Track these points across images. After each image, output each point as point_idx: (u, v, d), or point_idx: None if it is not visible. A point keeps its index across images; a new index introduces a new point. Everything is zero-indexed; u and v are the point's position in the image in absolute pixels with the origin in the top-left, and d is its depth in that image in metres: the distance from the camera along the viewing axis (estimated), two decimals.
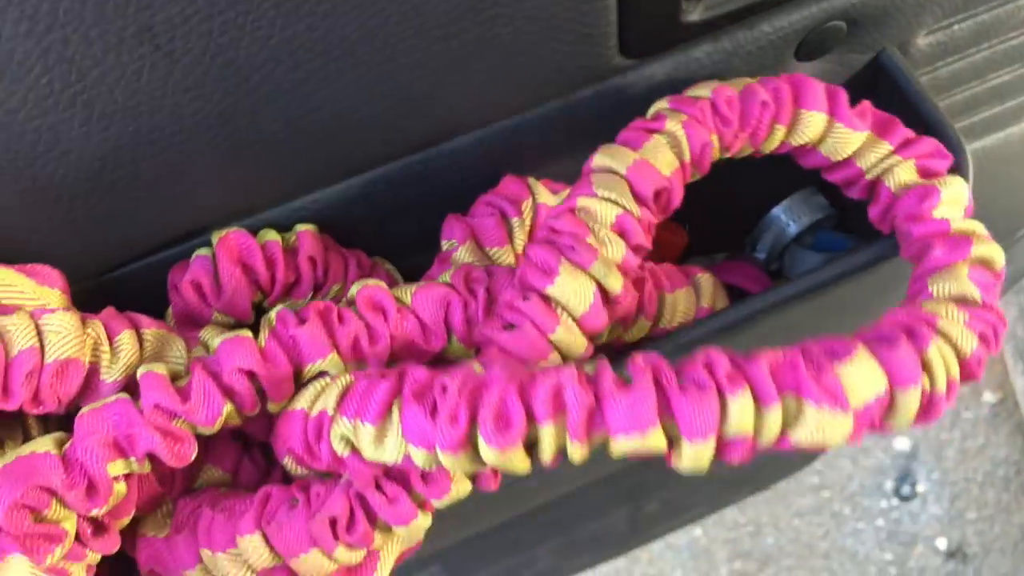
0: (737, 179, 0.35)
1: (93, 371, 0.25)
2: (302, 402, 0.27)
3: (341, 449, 0.26)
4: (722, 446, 0.25)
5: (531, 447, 0.24)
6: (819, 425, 0.24)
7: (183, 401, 0.24)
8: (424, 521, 0.28)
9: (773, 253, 0.43)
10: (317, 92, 0.28)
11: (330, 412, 0.26)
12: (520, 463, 0.24)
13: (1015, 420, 1.73)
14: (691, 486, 0.81)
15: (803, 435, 0.25)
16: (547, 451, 0.24)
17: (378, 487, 0.26)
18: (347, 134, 0.31)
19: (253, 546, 0.25)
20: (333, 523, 0.26)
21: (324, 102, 0.28)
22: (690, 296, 0.33)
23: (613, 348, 0.33)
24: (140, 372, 0.25)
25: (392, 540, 0.28)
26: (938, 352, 0.25)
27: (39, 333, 0.23)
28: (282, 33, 0.24)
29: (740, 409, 0.24)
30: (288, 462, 0.28)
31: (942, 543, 1.65)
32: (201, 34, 0.23)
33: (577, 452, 0.24)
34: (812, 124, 0.31)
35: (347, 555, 0.26)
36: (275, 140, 0.28)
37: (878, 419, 0.25)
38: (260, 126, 0.27)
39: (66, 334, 0.24)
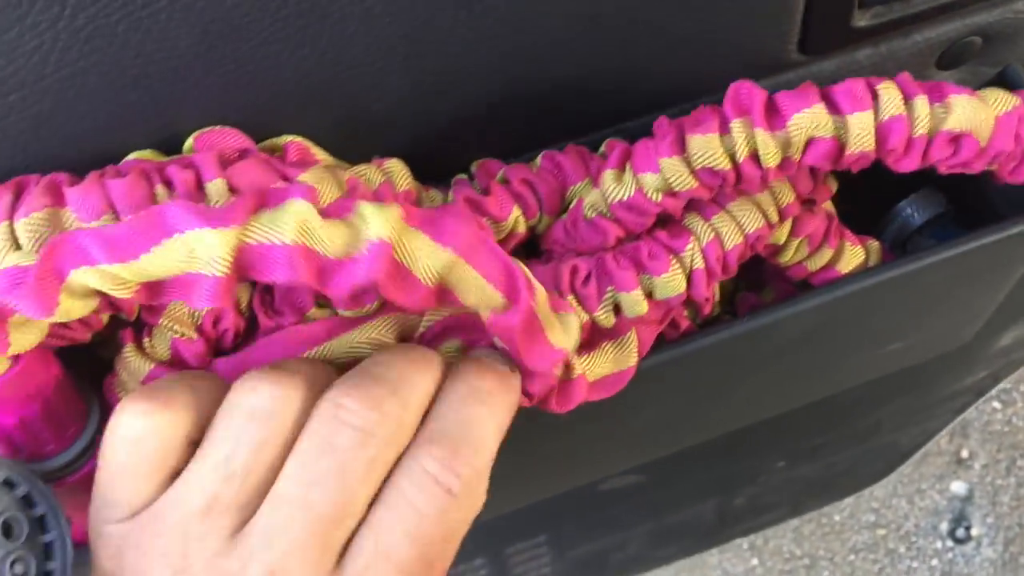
0: (870, 173, 0.42)
1: None
2: None
3: None
4: (880, 128, 0.31)
5: None
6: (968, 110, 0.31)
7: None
8: None
9: (896, 242, 0.50)
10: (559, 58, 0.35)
11: None
12: None
13: None
14: (777, 485, 0.87)
15: (955, 121, 0.31)
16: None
17: None
18: (564, 102, 0.38)
19: None
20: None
21: (561, 66, 0.35)
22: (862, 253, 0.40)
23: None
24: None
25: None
26: None
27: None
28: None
29: (889, 95, 0.31)
30: None
31: None
32: None
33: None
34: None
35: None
36: (530, 95, 0.36)
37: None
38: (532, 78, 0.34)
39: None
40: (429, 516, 0.28)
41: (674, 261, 0.35)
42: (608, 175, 0.33)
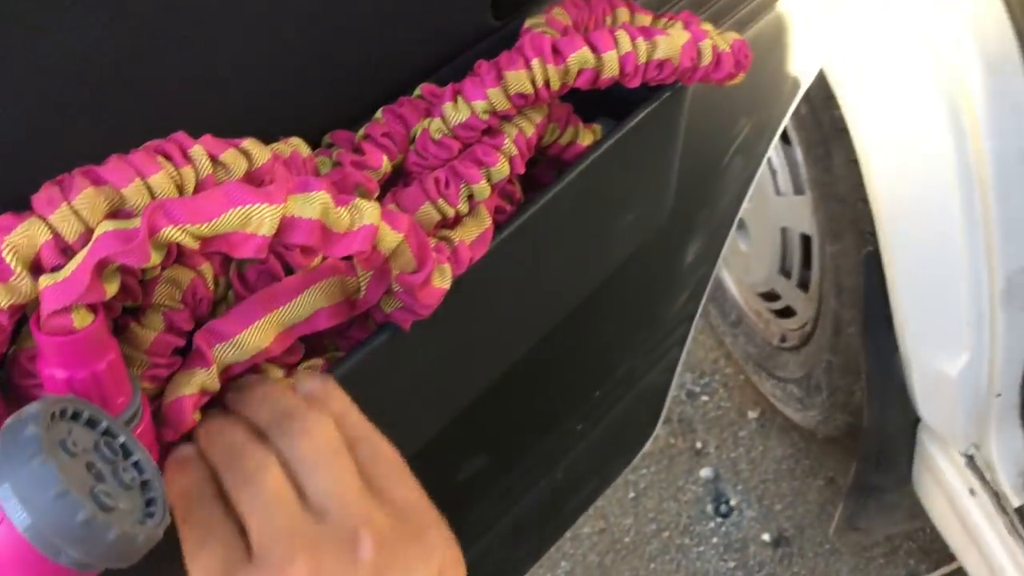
0: None
1: None
2: None
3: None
4: (620, 60, 0.50)
5: None
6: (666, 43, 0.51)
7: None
8: None
9: None
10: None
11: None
12: None
13: (778, 424, 2.09)
14: (583, 453, 1.03)
15: (660, 52, 0.51)
16: None
17: None
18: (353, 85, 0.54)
19: None
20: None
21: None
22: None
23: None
24: None
25: None
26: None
27: None
28: None
29: (622, 38, 0.51)
30: None
31: (767, 537, 1.94)
32: None
33: None
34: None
35: None
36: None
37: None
38: None
39: None
40: None
41: (500, 154, 0.51)
42: (448, 106, 0.50)
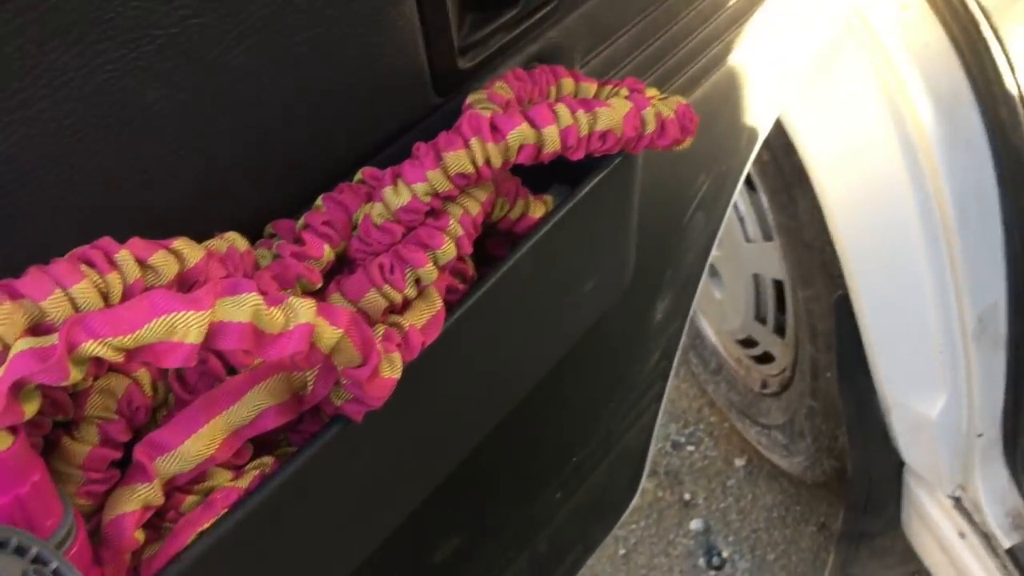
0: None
1: None
2: None
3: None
4: (561, 134, 0.49)
5: None
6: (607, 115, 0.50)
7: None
8: None
9: None
10: None
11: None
12: None
13: (766, 471, 2.07)
14: (565, 520, 1.01)
15: (602, 124, 0.50)
16: None
17: None
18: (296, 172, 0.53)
19: None
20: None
21: None
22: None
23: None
24: None
25: None
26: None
27: None
28: None
29: (562, 111, 0.50)
30: None
31: None
32: None
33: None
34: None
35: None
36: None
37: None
38: None
39: None
40: None
41: (445, 236, 0.50)
42: (388, 191, 0.49)
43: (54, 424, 0.42)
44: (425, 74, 0.56)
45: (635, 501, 1.23)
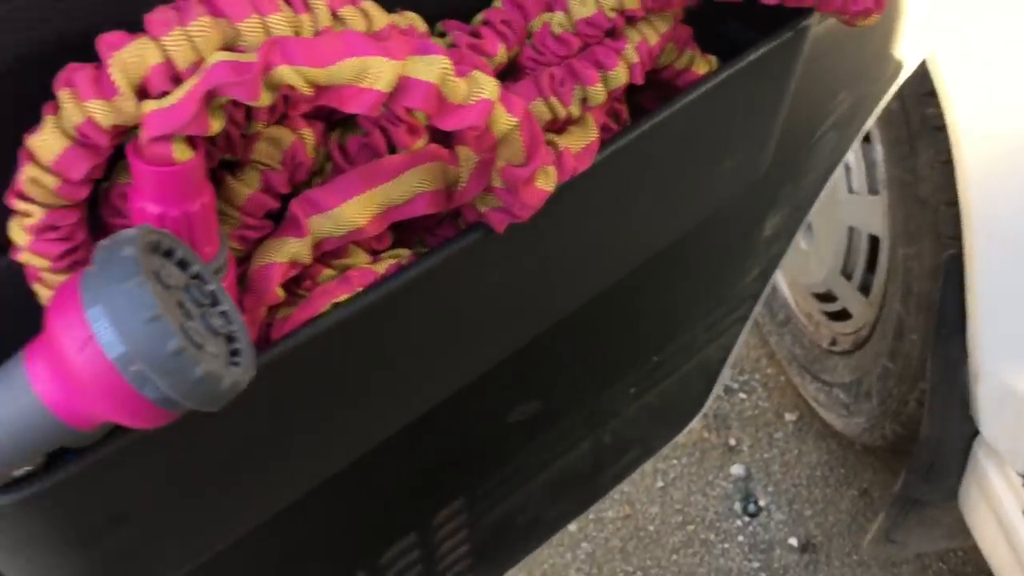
0: None
1: None
2: None
3: None
4: None
5: None
6: None
7: None
8: None
9: None
10: None
11: None
12: None
13: (815, 429, 2.05)
14: (632, 417, 1.01)
15: None
16: None
17: None
18: None
19: None
20: None
21: None
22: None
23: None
24: None
25: None
26: None
27: None
28: None
29: None
30: None
31: (794, 541, 1.90)
32: None
33: None
34: None
35: None
36: None
37: None
38: None
39: None
40: None
41: (620, 59, 0.49)
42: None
43: (220, 163, 0.43)
44: None
45: (680, 437, 1.23)
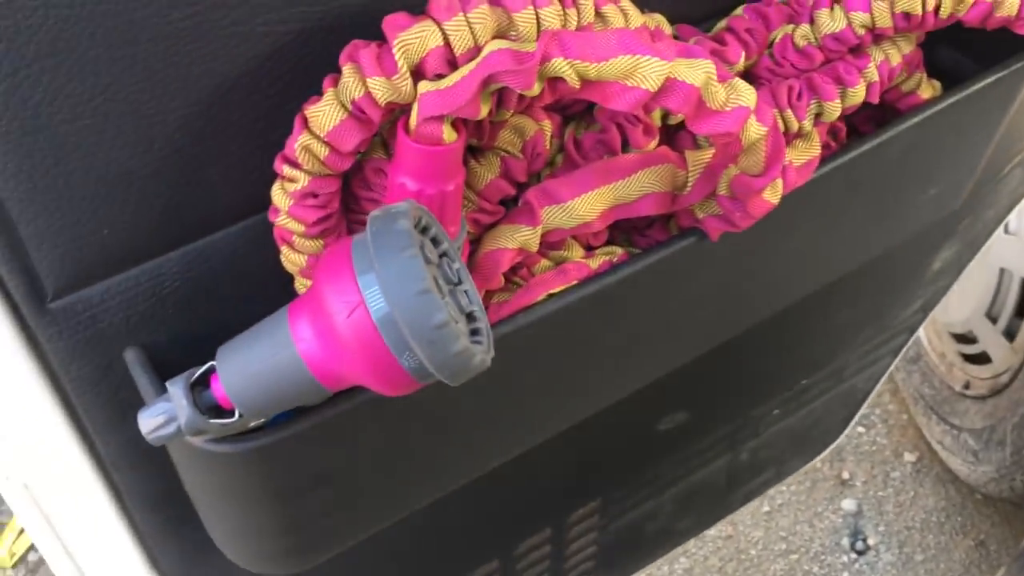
0: None
1: None
2: None
3: None
4: None
5: None
6: None
7: None
8: None
9: None
10: None
11: None
12: None
13: (935, 473, 1.98)
14: (771, 438, 0.99)
15: None
16: None
17: None
18: None
19: None
20: None
21: None
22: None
23: None
24: None
25: None
26: None
27: None
28: None
29: None
30: None
31: None
32: None
33: None
34: None
35: None
36: None
37: None
38: None
39: None
40: None
41: (861, 77, 0.48)
42: (823, 13, 0.47)
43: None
44: None
45: None
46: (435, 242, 0.38)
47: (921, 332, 1.92)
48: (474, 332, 0.38)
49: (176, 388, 0.36)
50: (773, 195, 0.45)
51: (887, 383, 2.12)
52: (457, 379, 0.35)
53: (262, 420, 0.40)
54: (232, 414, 0.37)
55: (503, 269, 0.44)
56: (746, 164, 0.43)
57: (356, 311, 0.34)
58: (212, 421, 0.37)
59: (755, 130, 0.40)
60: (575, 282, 0.47)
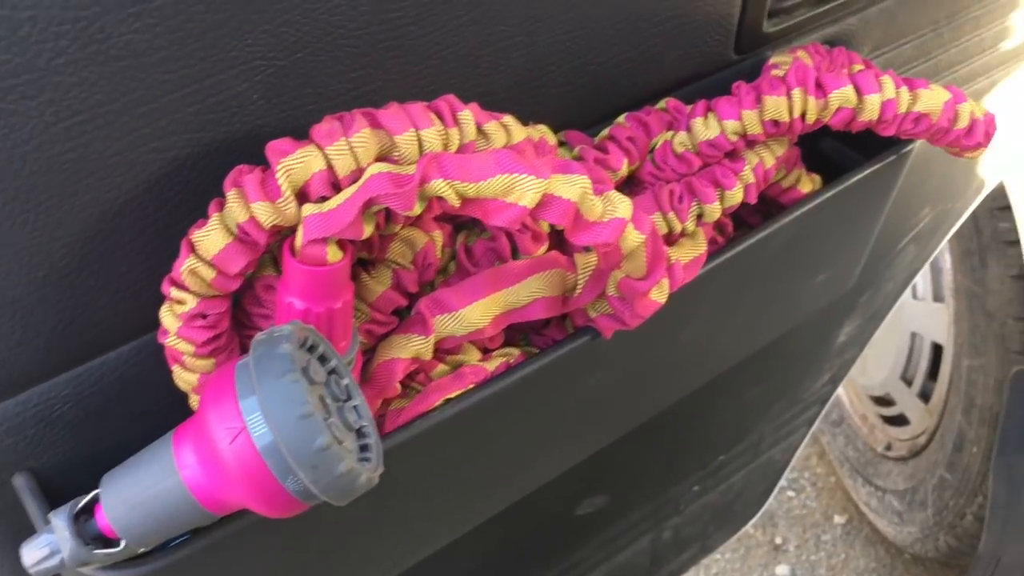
0: None
1: None
2: None
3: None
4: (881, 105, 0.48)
5: None
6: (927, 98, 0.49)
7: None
8: None
9: None
10: None
11: None
12: None
13: (864, 534, 2.01)
14: (693, 514, 1.00)
15: (920, 105, 0.49)
16: None
17: None
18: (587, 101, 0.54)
19: None
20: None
21: None
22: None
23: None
24: None
25: None
26: None
27: None
28: None
29: (887, 84, 0.49)
30: None
31: None
32: None
33: None
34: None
35: None
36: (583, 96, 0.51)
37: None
38: None
39: None
40: None
41: (738, 180, 0.50)
42: (698, 121, 0.49)
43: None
44: (732, 28, 0.57)
45: None
46: (323, 360, 0.39)
47: (843, 395, 1.96)
48: (363, 448, 0.38)
49: (59, 520, 0.36)
50: (660, 295, 0.47)
51: (814, 446, 2.16)
52: (343, 499, 0.36)
53: (151, 547, 0.40)
54: (118, 543, 0.37)
55: (398, 379, 0.45)
56: (629, 269, 0.45)
57: (239, 437, 0.34)
58: (96, 552, 0.36)
59: (633, 238, 0.42)
60: (471, 386, 0.48)
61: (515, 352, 0.50)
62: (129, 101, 0.36)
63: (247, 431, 0.34)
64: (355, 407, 0.39)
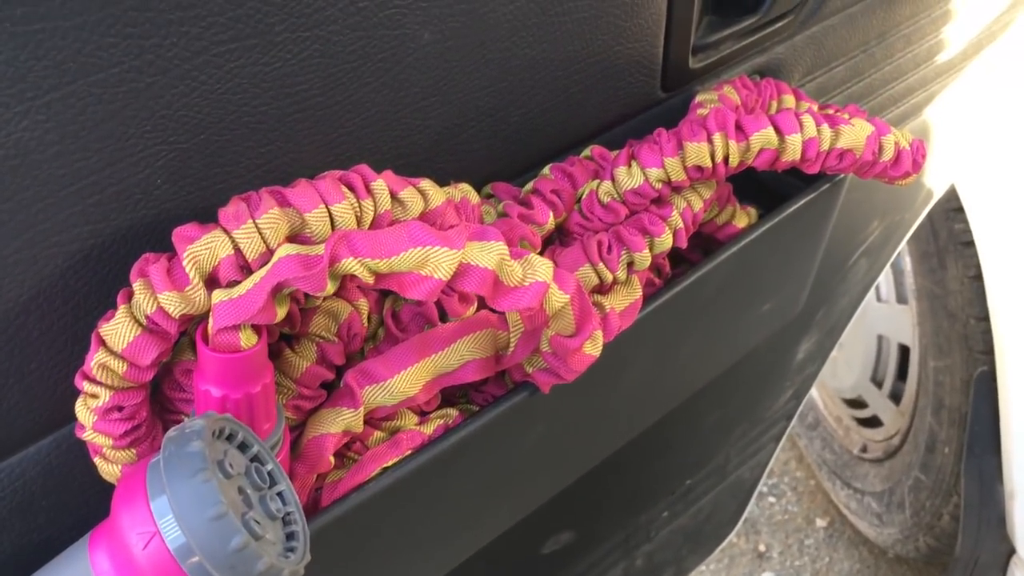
0: None
1: None
2: None
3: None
4: (803, 145, 0.48)
5: None
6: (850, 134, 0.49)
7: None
8: None
9: None
10: None
11: None
12: None
13: (847, 536, 2.01)
14: (664, 540, 1.00)
15: (843, 142, 0.48)
16: None
17: None
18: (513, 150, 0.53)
19: None
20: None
21: None
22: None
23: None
24: None
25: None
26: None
27: None
28: None
29: (808, 123, 0.48)
30: None
31: None
32: None
33: None
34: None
35: None
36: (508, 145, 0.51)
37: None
38: None
39: None
40: None
41: (666, 226, 0.50)
42: (621, 171, 0.49)
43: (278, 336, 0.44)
44: (657, 67, 0.57)
45: None
46: (243, 447, 0.38)
47: (817, 397, 1.97)
48: (289, 536, 0.37)
49: None
50: (593, 348, 0.46)
51: (791, 450, 2.16)
52: None
53: None
54: None
55: (329, 453, 0.44)
56: (558, 327, 0.44)
57: (152, 541, 0.33)
58: None
59: (557, 299, 0.42)
60: (409, 452, 0.47)
61: (453, 413, 0.50)
62: (23, 199, 0.35)
63: (160, 535, 0.33)
64: (279, 494, 0.38)
